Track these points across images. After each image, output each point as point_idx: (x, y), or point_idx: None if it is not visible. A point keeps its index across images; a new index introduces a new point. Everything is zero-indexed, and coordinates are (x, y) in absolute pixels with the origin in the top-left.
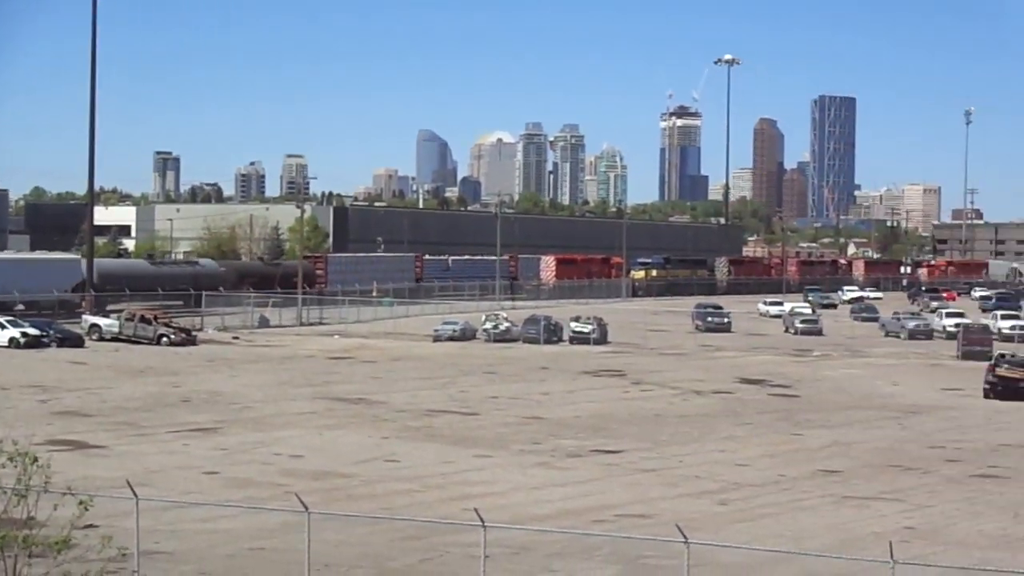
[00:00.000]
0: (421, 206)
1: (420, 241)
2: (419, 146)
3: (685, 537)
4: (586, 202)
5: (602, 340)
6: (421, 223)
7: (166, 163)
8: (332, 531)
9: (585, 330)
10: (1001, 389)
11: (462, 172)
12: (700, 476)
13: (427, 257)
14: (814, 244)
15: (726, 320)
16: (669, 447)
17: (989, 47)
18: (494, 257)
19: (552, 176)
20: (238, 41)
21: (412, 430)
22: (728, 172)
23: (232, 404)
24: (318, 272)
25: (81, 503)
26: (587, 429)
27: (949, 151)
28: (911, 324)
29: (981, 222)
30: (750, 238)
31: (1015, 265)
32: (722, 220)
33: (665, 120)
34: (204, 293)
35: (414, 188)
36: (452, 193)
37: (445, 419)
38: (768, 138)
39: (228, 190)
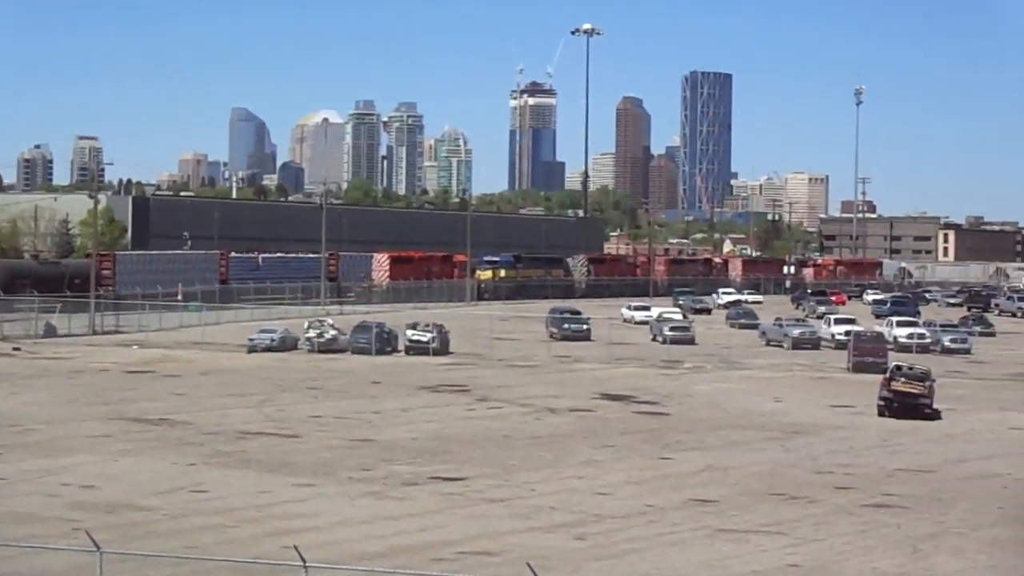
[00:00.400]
0: (235, 196)
1: (233, 236)
2: (232, 127)
3: None
4: (425, 192)
5: (443, 350)
6: (234, 216)
7: None
8: (129, 573)
9: (423, 339)
10: (897, 406)
11: (282, 157)
12: (555, 506)
13: (234, 255)
14: (685, 240)
15: (585, 327)
16: (519, 473)
17: (879, 21)
18: (316, 255)
19: (386, 162)
20: (19, 7)
21: (223, 455)
22: (587, 158)
23: (12, 426)
24: (104, 272)
25: None
26: (425, 453)
27: (837, 136)
28: (795, 332)
29: (874, 216)
30: (612, 233)
31: (904, 264)
32: (580, 213)
33: (515, 98)
34: None
35: (226, 175)
36: (271, 181)
37: (261, 442)
38: (633, 120)
39: (9, 178)
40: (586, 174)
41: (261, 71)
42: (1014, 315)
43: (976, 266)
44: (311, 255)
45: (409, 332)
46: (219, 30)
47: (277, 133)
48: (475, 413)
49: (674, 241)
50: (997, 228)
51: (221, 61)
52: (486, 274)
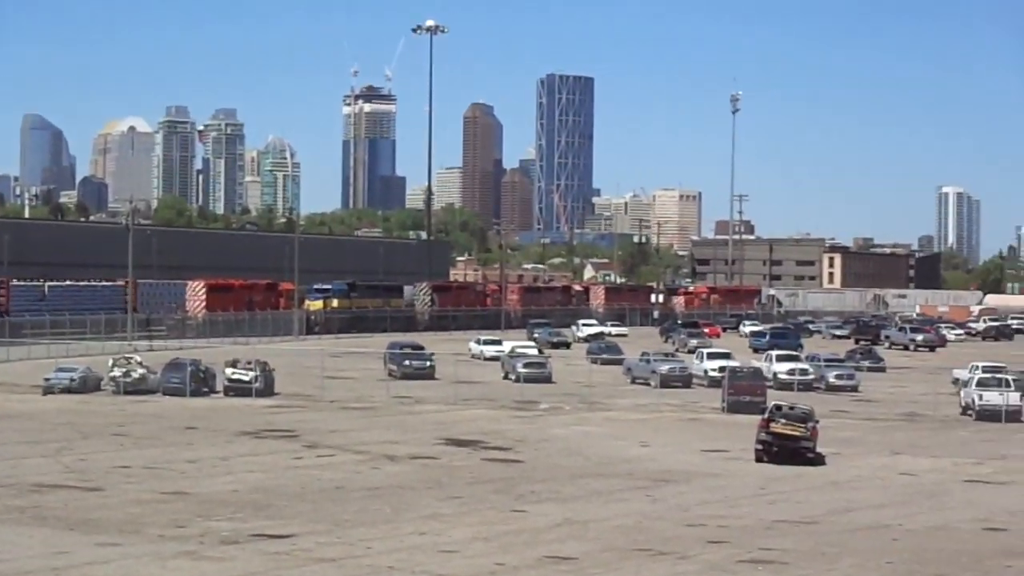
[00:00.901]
0: (27, 215)
1: (25, 262)
2: (24, 136)
3: None
4: (246, 211)
5: (267, 391)
6: (27, 238)
7: None
8: None
9: (245, 378)
10: (777, 450)
11: (82, 171)
12: (394, 566)
13: (16, 283)
14: (541, 265)
15: (428, 364)
16: (354, 529)
17: (758, 20)
18: (113, 282)
19: (201, 176)
20: None
21: (14, 511)
22: (431, 172)
23: None
24: None
25: None
26: (247, 507)
27: (712, 149)
28: (664, 368)
29: (752, 237)
30: (459, 258)
31: (772, 292)
32: (423, 235)
33: (349, 104)
34: None
35: (17, 191)
36: (69, 198)
37: (59, 496)
38: (483, 129)
39: None
40: (429, 191)
41: (58, 73)
42: (906, 348)
43: (852, 293)
44: (107, 283)
45: (228, 371)
46: (8, 26)
47: (76, 144)
48: (303, 462)
49: (529, 266)
50: (888, 251)
51: (11, 62)
52: (316, 304)
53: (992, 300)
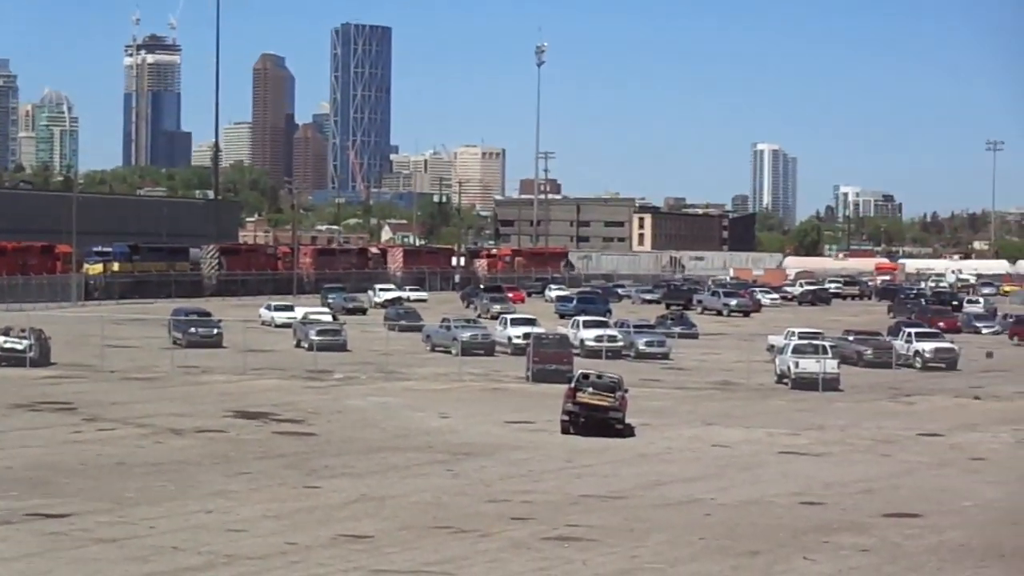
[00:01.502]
0: None
1: None
2: None
3: None
4: (21, 168)
5: (43, 360)
6: None
7: None
8: None
9: (18, 347)
10: (584, 421)
11: None
12: (179, 547)
13: None
14: (336, 227)
15: (216, 332)
16: (136, 508)
17: None
18: None
19: None
20: None
21: None
22: (218, 128)
23: None
24: None
25: None
26: (22, 484)
27: (516, 103)
28: (466, 335)
29: (559, 197)
30: (249, 219)
31: (570, 256)
32: (210, 194)
33: (131, 55)
34: None
35: None
36: None
37: None
38: (274, 82)
39: None
40: (216, 147)
41: None
42: (720, 313)
43: (647, 256)
44: None
45: (0, 339)
46: None
47: None
48: (83, 436)
49: (323, 228)
50: (700, 212)
51: None
52: (96, 268)
53: (793, 263)
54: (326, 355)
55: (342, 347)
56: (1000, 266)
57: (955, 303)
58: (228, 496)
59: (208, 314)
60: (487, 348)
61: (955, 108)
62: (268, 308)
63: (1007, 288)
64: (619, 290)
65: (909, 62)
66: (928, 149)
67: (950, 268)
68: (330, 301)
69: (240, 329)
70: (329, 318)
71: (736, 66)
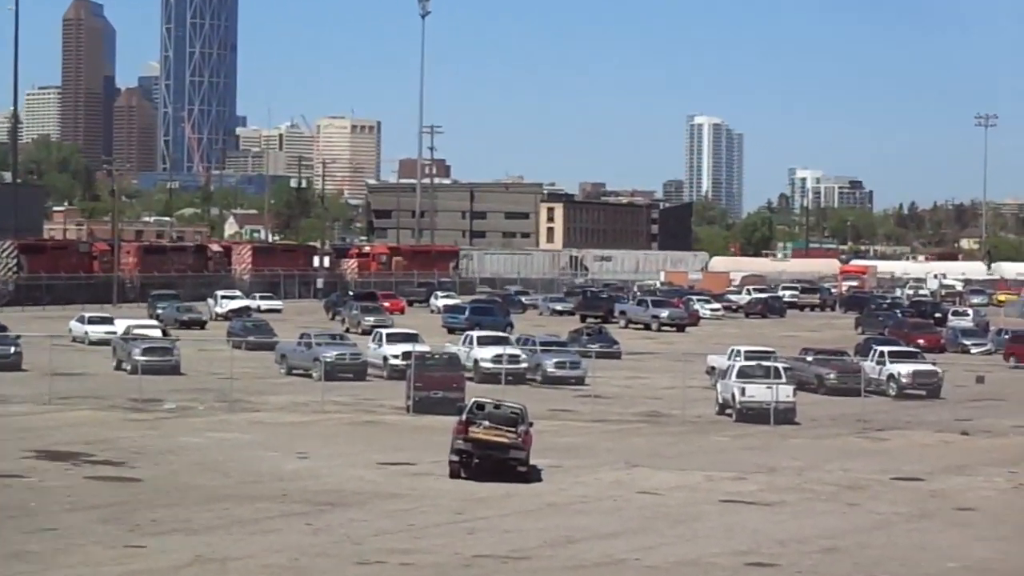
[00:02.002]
0: None
1: None
2: None
3: None
4: None
5: None
6: None
7: None
8: None
9: None
10: (478, 462)
11: None
12: None
13: None
14: (168, 218)
15: (13, 350)
16: None
17: None
18: None
19: None
20: None
21: None
22: (17, 94)
23: None
24: None
25: None
26: None
27: (394, 66)
28: (330, 354)
29: (448, 182)
30: (57, 208)
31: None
32: (7, 176)
33: None
34: None
35: None
36: None
37: None
38: (90, 35)
39: None
40: (16, 118)
41: None
42: (648, 327)
43: (541, 256)
44: None
45: None
46: None
47: None
48: None
49: (151, 219)
50: (624, 200)
51: None
52: None
53: (722, 263)
54: (154, 380)
55: (174, 369)
56: (980, 269)
57: (938, 315)
58: (27, 559)
59: (4, 328)
60: (357, 371)
61: (938, 73)
62: (81, 320)
63: (1001, 297)
64: (523, 298)
65: (881, 17)
66: (905, 125)
67: (932, 272)
68: (159, 312)
69: (44, 348)
70: (158, 333)
71: (669, 25)
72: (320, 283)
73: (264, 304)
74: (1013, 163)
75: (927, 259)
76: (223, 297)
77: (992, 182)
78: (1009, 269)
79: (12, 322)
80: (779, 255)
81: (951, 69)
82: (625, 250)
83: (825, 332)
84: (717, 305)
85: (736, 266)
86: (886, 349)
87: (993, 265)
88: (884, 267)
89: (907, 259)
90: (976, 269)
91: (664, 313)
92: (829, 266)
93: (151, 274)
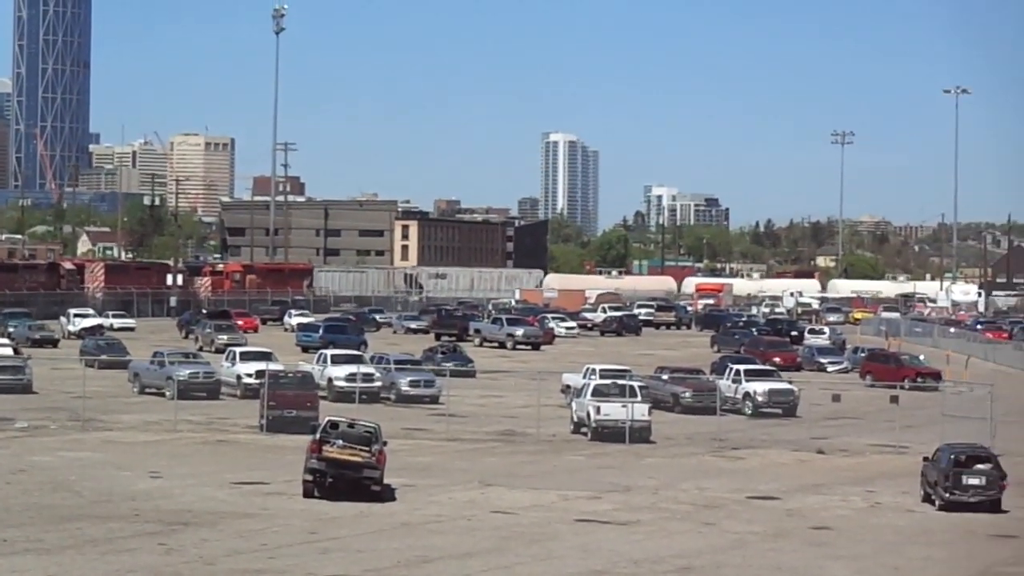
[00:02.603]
0: None
1: None
2: None
3: None
4: None
5: None
6: None
7: None
8: None
9: None
10: (332, 481)
11: None
12: None
13: None
14: (19, 236)
15: None
16: None
17: None
18: None
19: None
20: None
21: None
22: None
23: None
24: None
25: None
26: None
27: (248, 83)
28: (183, 373)
29: (302, 199)
30: None
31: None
32: None
33: None
34: None
35: None
36: None
37: None
38: None
39: None
40: None
41: None
42: (503, 345)
43: (376, 273)
44: None
45: None
46: None
47: None
48: None
49: (3, 237)
50: (479, 218)
51: None
52: None
53: (557, 281)
54: (5, 398)
55: (26, 388)
56: (839, 287)
57: (794, 333)
58: None
59: None
60: (210, 389)
61: (794, 90)
62: None
63: (858, 315)
64: (377, 316)
65: (738, 33)
66: (761, 142)
67: (788, 290)
68: (11, 330)
69: None
70: (9, 351)
71: (524, 40)
72: (173, 301)
73: (117, 322)
74: (869, 181)
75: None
76: (76, 315)
77: (848, 199)
78: (844, 286)
79: None
80: (614, 272)
81: (808, 86)
82: (461, 267)
83: (681, 350)
84: (572, 323)
85: (565, 284)
86: (742, 367)
87: (830, 283)
88: (740, 285)
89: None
90: (810, 287)
91: (519, 331)
92: (662, 283)
93: (2, 292)
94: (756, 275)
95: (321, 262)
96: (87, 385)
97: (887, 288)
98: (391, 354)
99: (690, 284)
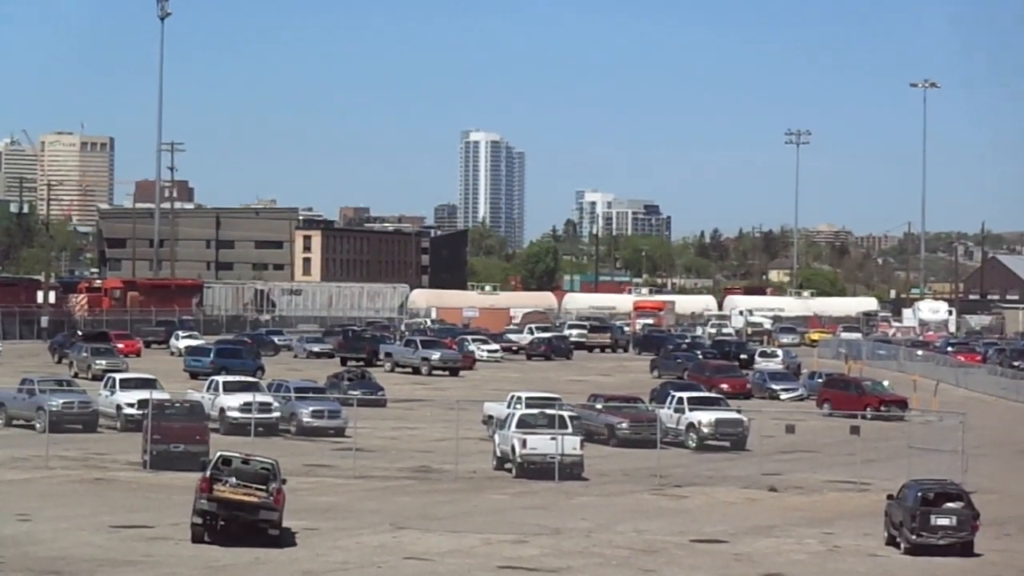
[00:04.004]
0: None
1: None
2: None
3: None
4: None
5: None
6: None
7: None
8: None
9: None
10: (224, 524)
11: None
12: None
13: None
14: None
15: None
16: None
17: None
18: None
19: None
20: None
21: None
22: None
23: None
24: None
25: None
26: None
27: (130, 75)
28: (56, 402)
29: (191, 206)
30: None
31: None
32: None
33: None
34: None
35: None
36: None
37: None
38: None
39: None
40: None
41: None
42: (417, 371)
43: (223, 289)
44: None
45: None
46: None
47: None
48: None
49: None
50: (391, 228)
51: None
52: None
53: (424, 298)
54: None
55: None
56: (791, 305)
57: (744, 356)
58: None
59: None
60: (87, 421)
61: (742, 87)
62: None
63: (814, 335)
64: (276, 338)
65: (678, 25)
66: (707, 144)
67: (737, 308)
68: None
69: None
70: None
71: (441, 31)
72: (45, 322)
73: None
74: (828, 186)
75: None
76: None
77: (804, 207)
78: (742, 302)
79: None
80: (487, 288)
81: (758, 81)
82: (318, 283)
83: (617, 376)
84: (495, 346)
85: (438, 301)
86: (685, 395)
87: (726, 300)
88: (684, 303)
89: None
90: (790, 304)
91: (435, 355)
92: (542, 299)
93: None
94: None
95: (212, 277)
96: None
97: (791, 306)
98: (291, 381)
99: (573, 301)
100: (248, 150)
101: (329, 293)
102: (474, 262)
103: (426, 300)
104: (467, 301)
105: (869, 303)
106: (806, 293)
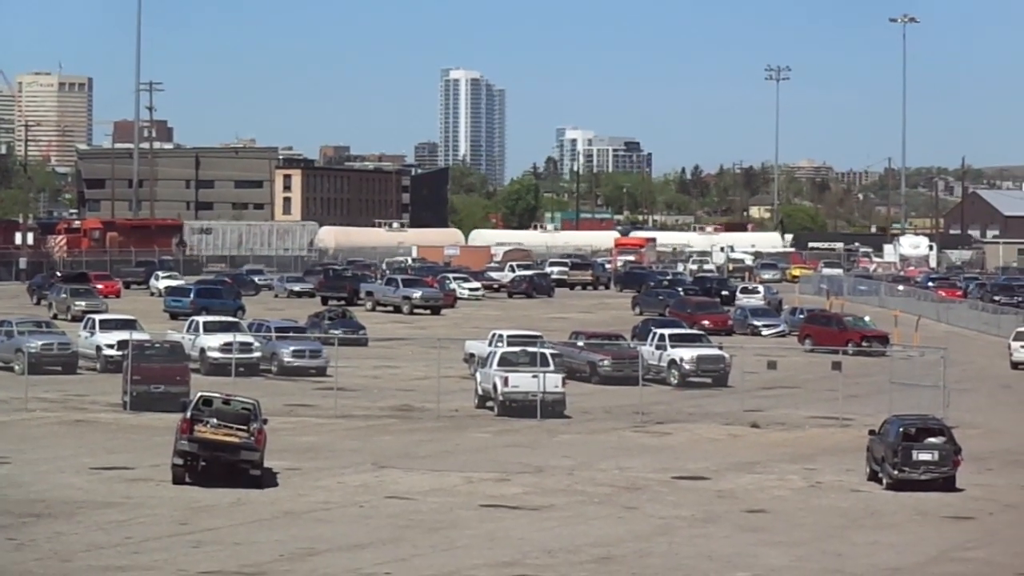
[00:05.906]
0: None
1: None
2: None
3: None
4: None
5: None
6: None
7: None
8: None
9: None
10: (205, 465)
11: None
12: None
13: None
14: None
15: None
16: None
17: None
18: None
19: None
20: None
21: None
22: None
23: None
24: None
25: None
26: None
27: (108, 13)
28: (35, 344)
29: (170, 146)
30: None
31: (193, 223)
32: None
33: None
34: None
35: None
36: None
37: None
38: None
39: None
40: None
41: None
42: (399, 309)
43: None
44: None
45: None
46: None
47: None
48: None
49: None
50: (371, 166)
51: None
52: None
53: (333, 236)
54: None
55: None
56: (771, 240)
57: (725, 293)
58: None
59: None
60: (66, 363)
61: (722, 21)
62: None
63: (796, 271)
64: (256, 278)
65: None
66: (686, 80)
67: (717, 244)
68: None
69: None
70: None
71: None
72: (23, 263)
73: None
74: (808, 121)
75: (715, 230)
76: None
77: (785, 143)
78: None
79: None
80: (395, 224)
81: (738, 15)
82: (227, 222)
83: (599, 313)
84: (476, 284)
85: (345, 238)
86: (667, 332)
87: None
88: (664, 239)
89: (694, 230)
90: (771, 240)
91: (416, 294)
92: (450, 236)
93: None
94: (710, 228)
95: (192, 217)
96: None
97: (696, 241)
98: (272, 320)
99: (479, 237)
100: (227, 90)
101: (239, 231)
102: (455, 200)
103: (334, 237)
104: (375, 239)
105: (772, 239)
106: (710, 228)
